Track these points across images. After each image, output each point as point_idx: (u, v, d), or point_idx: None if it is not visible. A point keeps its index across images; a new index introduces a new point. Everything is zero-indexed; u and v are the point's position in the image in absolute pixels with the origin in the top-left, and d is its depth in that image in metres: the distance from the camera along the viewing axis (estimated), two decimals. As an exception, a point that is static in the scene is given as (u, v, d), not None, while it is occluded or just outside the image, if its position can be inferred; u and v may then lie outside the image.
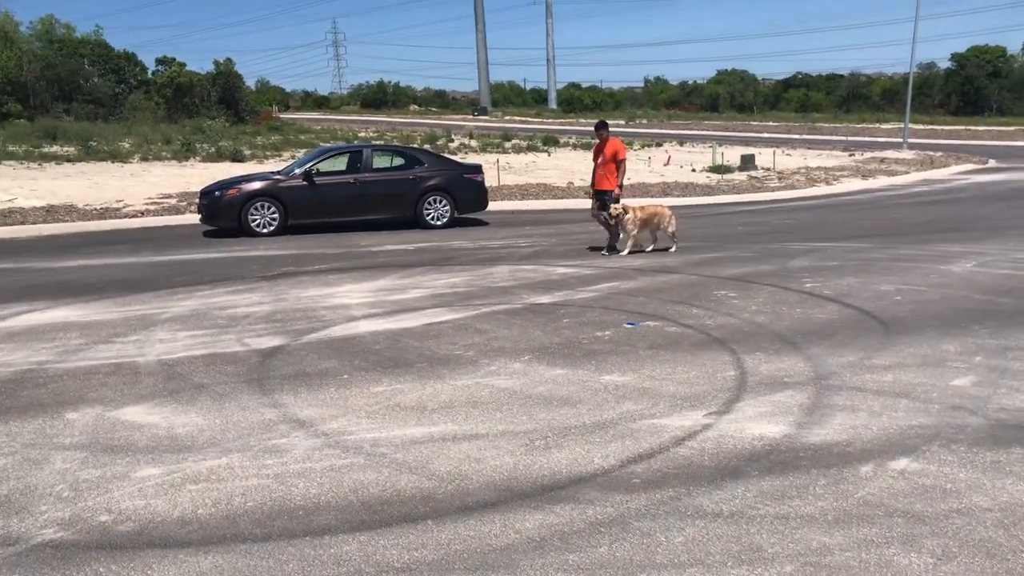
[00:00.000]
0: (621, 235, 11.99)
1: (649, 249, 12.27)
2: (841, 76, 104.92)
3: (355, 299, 9.11)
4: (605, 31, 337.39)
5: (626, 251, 11.83)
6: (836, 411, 5.32)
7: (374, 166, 15.56)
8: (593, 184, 12.41)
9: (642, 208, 12.22)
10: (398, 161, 16.03)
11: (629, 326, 7.67)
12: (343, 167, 15.48)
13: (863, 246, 12.34)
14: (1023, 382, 5.88)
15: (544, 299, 8.96)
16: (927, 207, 18.32)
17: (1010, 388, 5.75)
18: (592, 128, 12.83)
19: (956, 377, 6.01)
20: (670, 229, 12.19)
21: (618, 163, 12.01)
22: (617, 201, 11.99)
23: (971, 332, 7.25)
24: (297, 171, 15.09)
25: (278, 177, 15.21)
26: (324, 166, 15.31)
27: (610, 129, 12.64)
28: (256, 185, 14.88)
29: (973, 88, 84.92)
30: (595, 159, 12.39)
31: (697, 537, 3.74)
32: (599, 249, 12.20)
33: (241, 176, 16.69)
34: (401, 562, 3.57)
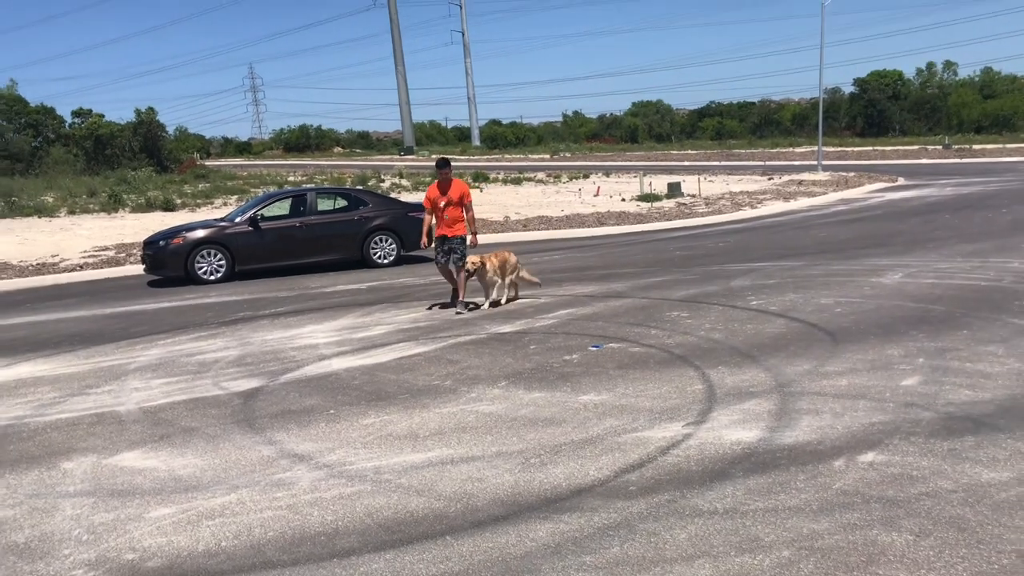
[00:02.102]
0: (491, 287, 10.75)
1: (509, 298, 11.00)
2: (752, 103, 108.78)
3: (321, 339, 9.26)
4: (522, 68, 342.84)
5: (504, 299, 10.79)
6: (802, 415, 5.74)
7: (319, 208, 15.74)
8: (433, 230, 10.73)
9: (495, 255, 10.86)
10: (342, 203, 16.23)
11: (594, 348, 8.03)
12: (287, 211, 15.62)
13: (797, 264, 12.99)
14: (964, 379, 6.40)
15: (506, 328, 9.26)
16: (849, 225, 19.26)
17: (953, 384, 6.26)
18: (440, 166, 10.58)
19: (904, 378, 6.51)
20: (522, 273, 11.09)
21: (466, 206, 10.63)
22: (469, 249, 10.76)
23: (910, 337, 7.81)
24: (242, 217, 15.17)
25: (223, 224, 15.25)
26: (269, 211, 15.43)
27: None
28: (201, 233, 14.88)
29: (876, 110, 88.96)
30: (435, 202, 10.58)
31: (699, 533, 4.07)
32: (447, 306, 10.79)
33: (184, 224, 16.63)
34: (429, 574, 3.80)
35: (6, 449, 5.96)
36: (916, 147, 64.46)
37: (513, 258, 11.02)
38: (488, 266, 10.60)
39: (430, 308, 10.83)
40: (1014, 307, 8.90)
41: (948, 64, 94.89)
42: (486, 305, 10.67)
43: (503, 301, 10.79)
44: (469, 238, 10.74)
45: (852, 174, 36.92)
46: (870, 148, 65.26)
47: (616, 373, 7.08)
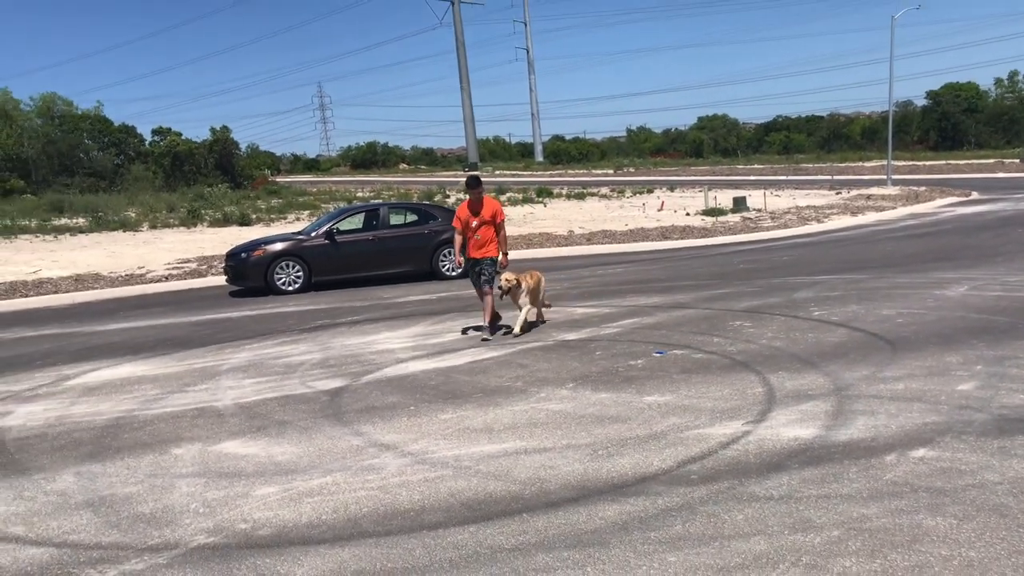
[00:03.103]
0: (524, 308, 10.06)
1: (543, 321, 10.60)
2: (821, 117, 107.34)
3: (397, 344, 9.80)
4: (586, 83, 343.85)
5: (518, 329, 9.93)
6: (858, 415, 6.02)
7: (391, 223, 16.39)
8: (466, 251, 10.15)
9: (530, 275, 10.25)
10: (412, 217, 16.87)
11: (658, 355, 8.38)
12: (361, 225, 16.31)
13: (861, 277, 13.11)
14: (1020, 384, 6.60)
15: (572, 336, 9.67)
16: (917, 239, 19.18)
17: (1009, 390, 6.46)
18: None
19: (960, 383, 6.72)
20: (543, 295, 10.60)
21: (498, 226, 10.03)
22: (500, 269, 10.14)
23: (970, 346, 7.99)
24: (319, 230, 15.90)
25: (301, 237, 16.00)
26: (344, 225, 16.14)
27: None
28: (280, 246, 15.64)
29: (950, 124, 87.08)
30: (467, 222, 9.98)
31: (755, 515, 4.42)
32: (478, 330, 10.20)
33: (263, 238, 17.46)
34: (510, 544, 4.23)
35: (121, 437, 6.58)
36: (992, 160, 62.96)
37: (543, 280, 10.55)
38: (523, 286, 9.99)
39: (464, 332, 10.31)
40: (1078, 318, 8.98)
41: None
42: (517, 329, 9.89)
43: (517, 331, 9.91)
44: (500, 258, 10.07)
45: (923, 188, 36.38)
46: (943, 162, 63.94)
47: (679, 377, 7.44)
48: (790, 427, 5.83)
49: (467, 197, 10.17)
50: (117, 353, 10.23)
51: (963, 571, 3.71)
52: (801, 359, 7.84)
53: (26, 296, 16.15)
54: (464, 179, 9.70)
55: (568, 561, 4.03)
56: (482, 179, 10.34)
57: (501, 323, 10.32)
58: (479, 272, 10.06)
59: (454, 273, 16.14)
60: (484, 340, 9.72)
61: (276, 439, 6.28)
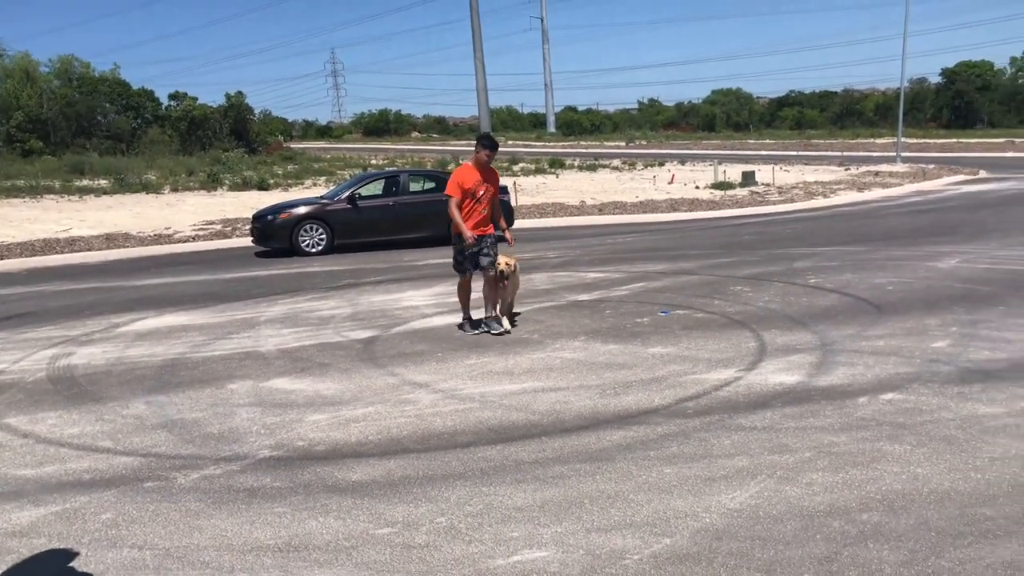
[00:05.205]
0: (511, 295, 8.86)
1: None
2: (834, 93, 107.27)
3: (421, 301, 10.55)
4: (599, 55, 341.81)
5: (509, 324, 8.66)
6: (839, 366, 6.75)
7: (410, 189, 17.11)
8: (469, 225, 8.33)
9: (512, 256, 8.78)
10: (430, 184, 17.58)
11: (663, 314, 9.12)
12: (381, 191, 17.04)
13: (860, 249, 13.78)
14: (987, 343, 7.32)
15: (584, 297, 10.40)
16: (919, 215, 19.79)
17: (977, 347, 7.19)
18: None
19: (935, 341, 7.44)
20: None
21: (497, 197, 8.62)
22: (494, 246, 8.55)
23: (950, 311, 8.69)
24: (341, 196, 16.62)
25: (324, 201, 16.74)
26: (365, 191, 16.86)
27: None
28: (305, 209, 16.39)
29: (964, 102, 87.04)
30: (474, 191, 8.30)
31: (740, 440, 5.17)
32: (475, 327, 8.66)
33: (288, 202, 18.22)
34: (531, 459, 5.00)
35: (179, 374, 7.37)
36: (1002, 140, 63.11)
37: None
38: (517, 269, 8.79)
39: (477, 329, 8.66)
40: (1054, 289, 9.67)
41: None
42: (507, 323, 8.64)
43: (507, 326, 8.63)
44: (508, 236, 8.82)
45: (932, 166, 36.81)
46: (954, 141, 64.12)
47: (681, 332, 8.18)
48: (777, 374, 6.57)
49: (467, 161, 8.52)
50: (159, 305, 11.00)
51: (909, 483, 4.45)
52: (793, 319, 8.56)
53: (61, 253, 16.97)
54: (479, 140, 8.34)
55: (580, 471, 4.79)
56: (496, 144, 8.66)
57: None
58: (481, 252, 8.42)
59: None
60: (506, 332, 8.46)
61: (320, 378, 7.05)
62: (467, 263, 8.50)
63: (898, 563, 3.64)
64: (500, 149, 9.17)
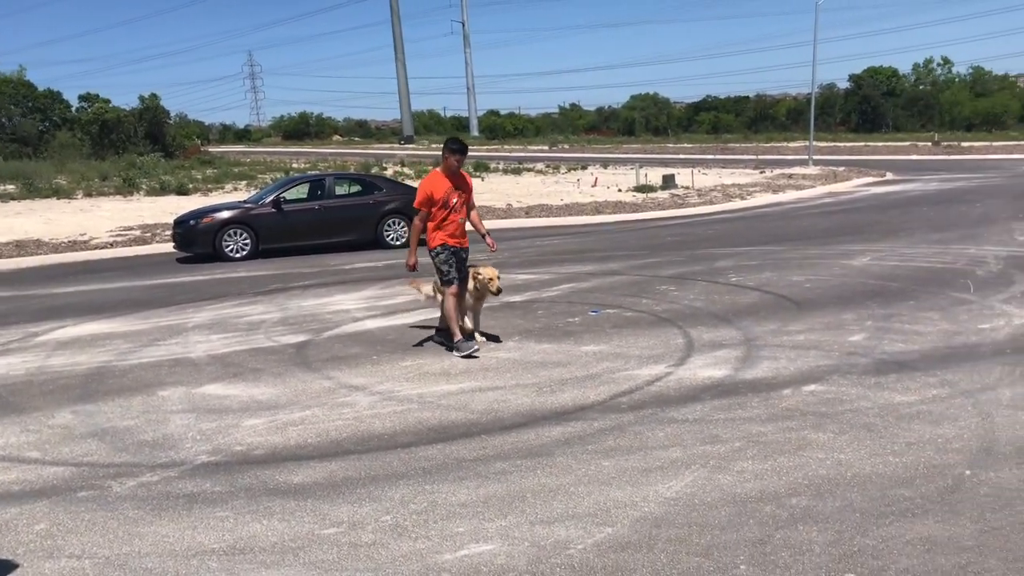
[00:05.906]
0: (470, 310, 8.19)
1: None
2: (748, 98, 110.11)
3: (351, 305, 10.52)
4: (521, 59, 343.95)
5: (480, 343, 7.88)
6: (763, 360, 7.03)
7: (336, 193, 16.98)
8: (444, 235, 7.74)
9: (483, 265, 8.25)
10: (356, 188, 17.50)
11: (593, 313, 9.30)
12: (307, 195, 16.86)
13: (777, 249, 14.26)
14: (901, 336, 7.70)
15: (516, 298, 10.52)
16: (831, 216, 20.54)
17: (891, 340, 7.56)
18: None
19: (852, 335, 7.80)
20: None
21: (471, 203, 8.04)
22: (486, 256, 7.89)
23: (864, 306, 9.10)
24: (266, 200, 16.39)
25: (248, 205, 16.49)
26: (290, 194, 16.67)
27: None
28: (228, 213, 16.11)
29: (870, 106, 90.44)
30: (446, 200, 7.64)
31: (673, 432, 5.35)
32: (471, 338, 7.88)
33: (211, 206, 17.86)
34: (473, 456, 5.08)
35: (106, 383, 7.21)
36: (907, 143, 65.81)
37: None
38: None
39: (440, 344, 8.18)
40: (958, 284, 10.20)
41: (945, 61, 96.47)
42: (480, 338, 8.06)
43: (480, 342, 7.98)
44: (490, 243, 8.02)
45: (842, 169, 38.15)
46: (862, 144, 66.60)
47: (612, 331, 8.37)
48: (705, 369, 6.80)
49: (436, 168, 7.90)
50: (79, 312, 10.70)
51: (834, 468, 4.69)
52: (718, 316, 8.85)
53: (-30, 261, 16.28)
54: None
55: (521, 467, 4.89)
56: (466, 148, 7.92)
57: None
58: (465, 263, 7.94)
59: (398, 243, 16.79)
60: (475, 351, 7.61)
61: (253, 383, 6.99)
62: (453, 272, 7.73)
63: (826, 543, 3.85)
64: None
